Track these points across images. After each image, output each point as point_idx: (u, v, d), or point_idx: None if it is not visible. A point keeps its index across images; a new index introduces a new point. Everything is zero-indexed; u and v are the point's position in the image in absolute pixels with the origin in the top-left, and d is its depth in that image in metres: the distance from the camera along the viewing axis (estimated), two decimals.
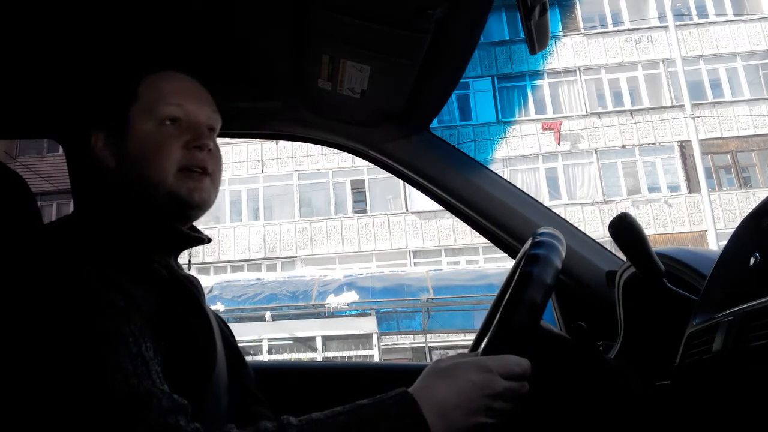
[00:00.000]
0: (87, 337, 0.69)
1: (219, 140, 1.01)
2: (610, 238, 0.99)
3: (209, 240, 0.97)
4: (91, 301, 0.72)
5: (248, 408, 0.99)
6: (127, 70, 0.96)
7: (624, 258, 1.07)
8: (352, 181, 16.04)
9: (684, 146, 15.01)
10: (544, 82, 16.15)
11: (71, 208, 1.12)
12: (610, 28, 16.19)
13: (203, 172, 0.91)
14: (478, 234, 1.49)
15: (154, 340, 0.75)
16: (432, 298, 11.25)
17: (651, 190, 15.34)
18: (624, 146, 15.47)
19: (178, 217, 0.92)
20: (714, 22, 15.74)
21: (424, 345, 12.41)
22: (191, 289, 0.90)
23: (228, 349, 0.98)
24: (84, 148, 0.94)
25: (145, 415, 0.66)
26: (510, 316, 0.82)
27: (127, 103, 0.92)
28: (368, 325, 11.58)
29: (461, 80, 1.33)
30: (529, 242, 0.93)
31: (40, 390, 0.68)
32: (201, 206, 0.91)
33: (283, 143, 15.09)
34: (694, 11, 15.92)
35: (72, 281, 0.73)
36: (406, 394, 0.72)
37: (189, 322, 0.85)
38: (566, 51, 16.12)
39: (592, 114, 15.67)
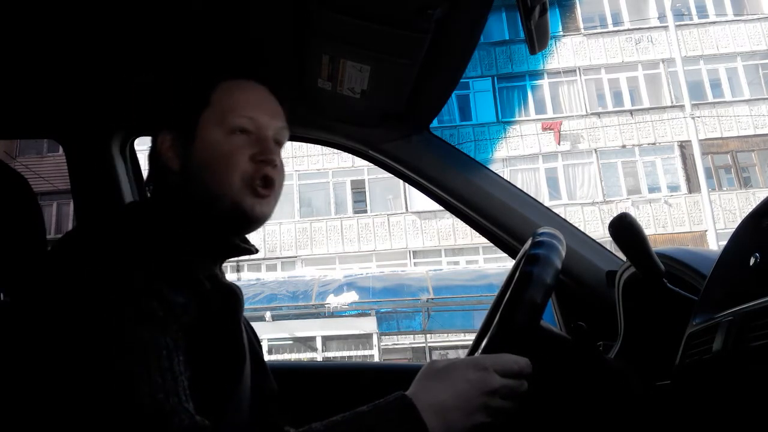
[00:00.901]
0: (122, 345, 0.68)
1: None
2: (610, 238, 0.99)
3: (257, 251, 0.96)
4: (131, 309, 0.71)
5: (267, 420, 0.98)
6: (203, 74, 0.96)
7: (624, 258, 1.07)
8: (352, 181, 16.03)
9: (684, 146, 15.00)
10: (544, 82, 16.14)
11: (71, 208, 1.12)
12: (610, 28, 16.18)
13: (268, 186, 0.90)
14: (478, 234, 1.49)
15: (186, 352, 0.74)
16: (432, 298, 11.25)
17: (651, 190, 15.33)
18: (624, 146, 15.46)
19: (236, 229, 0.91)
20: (714, 22, 15.73)
21: (424, 345, 12.41)
22: (232, 300, 0.88)
23: (253, 359, 0.97)
24: (88, 150, 0.94)
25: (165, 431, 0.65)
26: (510, 316, 0.82)
27: (198, 107, 0.91)
28: (368, 325, 11.58)
29: (461, 80, 1.33)
30: (529, 242, 0.93)
31: (68, 395, 0.67)
32: (261, 220, 0.91)
33: None
34: (694, 11, 15.91)
35: (114, 287, 0.72)
36: (404, 398, 0.72)
37: (223, 334, 0.84)
38: (566, 51, 16.11)
39: (592, 114, 15.67)
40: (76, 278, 0.72)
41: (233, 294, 0.90)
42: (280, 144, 0.95)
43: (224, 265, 0.96)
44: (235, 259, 1.00)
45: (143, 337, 0.69)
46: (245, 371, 0.88)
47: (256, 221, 0.91)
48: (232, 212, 0.88)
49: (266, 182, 0.90)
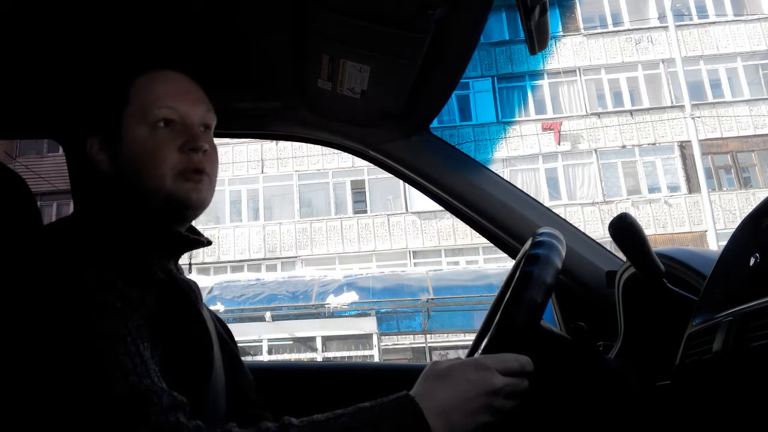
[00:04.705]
0: (85, 336, 0.69)
1: (219, 141, 1.00)
2: (610, 238, 0.99)
3: (209, 243, 0.97)
4: (89, 302, 0.72)
5: (246, 411, 0.99)
6: (117, 72, 0.95)
7: (624, 258, 1.07)
8: (352, 182, 16.03)
9: (684, 146, 15.00)
10: (544, 82, 16.14)
11: (71, 208, 1.12)
12: (610, 28, 16.18)
13: (201, 173, 0.90)
14: (478, 234, 1.49)
15: (151, 340, 0.75)
16: (432, 299, 11.24)
17: (651, 190, 15.33)
18: (624, 146, 15.46)
19: (176, 219, 0.91)
20: (714, 22, 15.73)
21: (424, 345, 12.40)
22: (188, 293, 0.89)
23: (226, 352, 0.98)
24: (81, 150, 0.94)
25: (146, 412, 0.66)
26: (510, 316, 0.82)
27: (119, 107, 0.91)
28: (368, 325, 11.58)
29: (461, 80, 1.33)
30: (529, 242, 0.94)
31: (40, 390, 0.68)
32: (199, 206, 0.91)
33: (283, 143, 15.08)
34: (694, 11, 15.91)
35: (69, 283, 0.73)
36: (407, 397, 0.72)
37: (186, 326, 0.84)
38: (566, 51, 16.11)
39: (592, 114, 15.67)
40: (33, 279, 0.74)
41: (189, 286, 0.91)
42: (208, 128, 0.95)
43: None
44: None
45: (106, 327, 0.71)
46: (215, 360, 0.89)
47: (193, 208, 0.90)
48: (168, 203, 0.88)
49: (199, 170, 0.90)
